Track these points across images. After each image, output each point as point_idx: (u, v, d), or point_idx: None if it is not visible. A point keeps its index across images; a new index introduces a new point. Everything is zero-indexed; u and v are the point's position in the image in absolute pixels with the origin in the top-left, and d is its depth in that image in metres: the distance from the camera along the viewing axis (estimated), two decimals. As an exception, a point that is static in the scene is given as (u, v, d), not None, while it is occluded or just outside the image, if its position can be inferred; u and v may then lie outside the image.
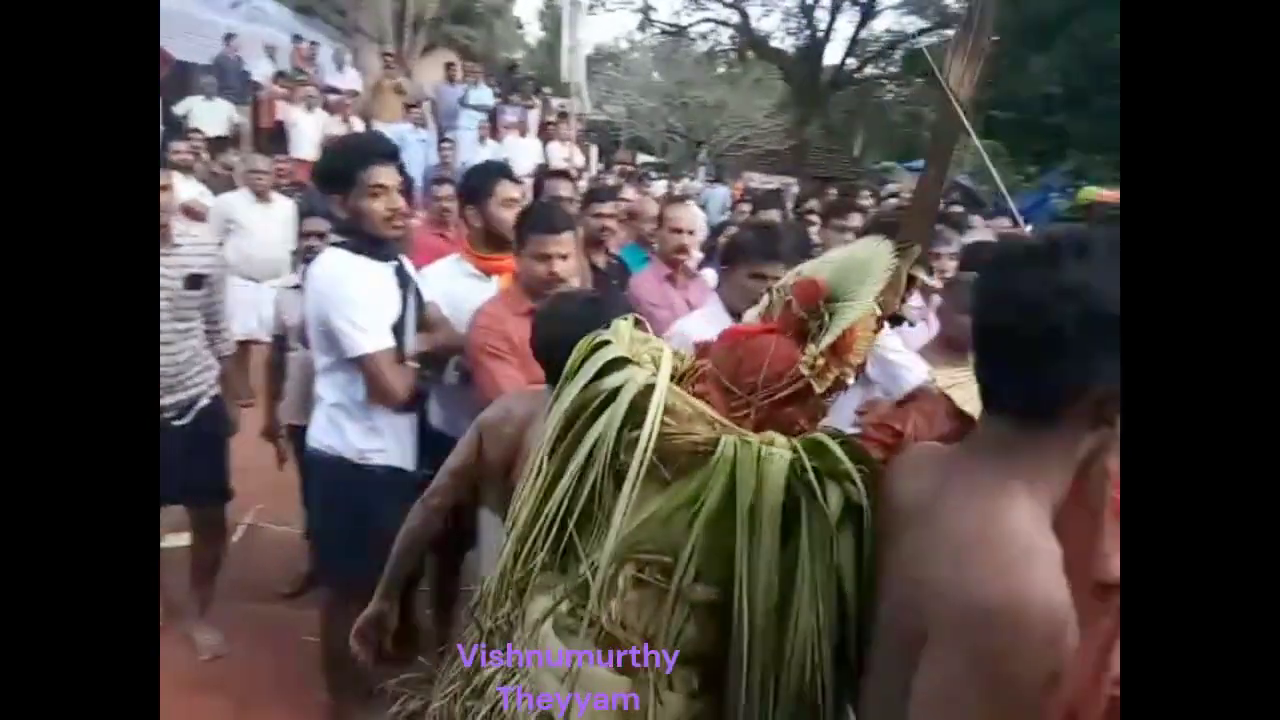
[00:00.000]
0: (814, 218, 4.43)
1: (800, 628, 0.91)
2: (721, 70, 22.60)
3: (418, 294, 2.11)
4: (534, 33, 27.19)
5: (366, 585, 1.65)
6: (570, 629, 1.01)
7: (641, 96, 18.41)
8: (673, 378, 1.03)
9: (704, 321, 2.25)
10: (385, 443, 2.02)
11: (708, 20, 20.93)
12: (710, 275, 2.96)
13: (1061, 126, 9.96)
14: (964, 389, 1.57)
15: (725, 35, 21.50)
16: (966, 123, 1.11)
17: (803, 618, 0.91)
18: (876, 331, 1.11)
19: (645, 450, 0.93)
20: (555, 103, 10.65)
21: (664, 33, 21.37)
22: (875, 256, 1.09)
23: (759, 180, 15.67)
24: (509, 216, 2.29)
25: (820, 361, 1.02)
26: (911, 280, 1.14)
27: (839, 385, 1.05)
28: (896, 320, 1.19)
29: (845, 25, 19.73)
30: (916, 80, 20.21)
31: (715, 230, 4.76)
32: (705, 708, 1.00)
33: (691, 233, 2.98)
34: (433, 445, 2.15)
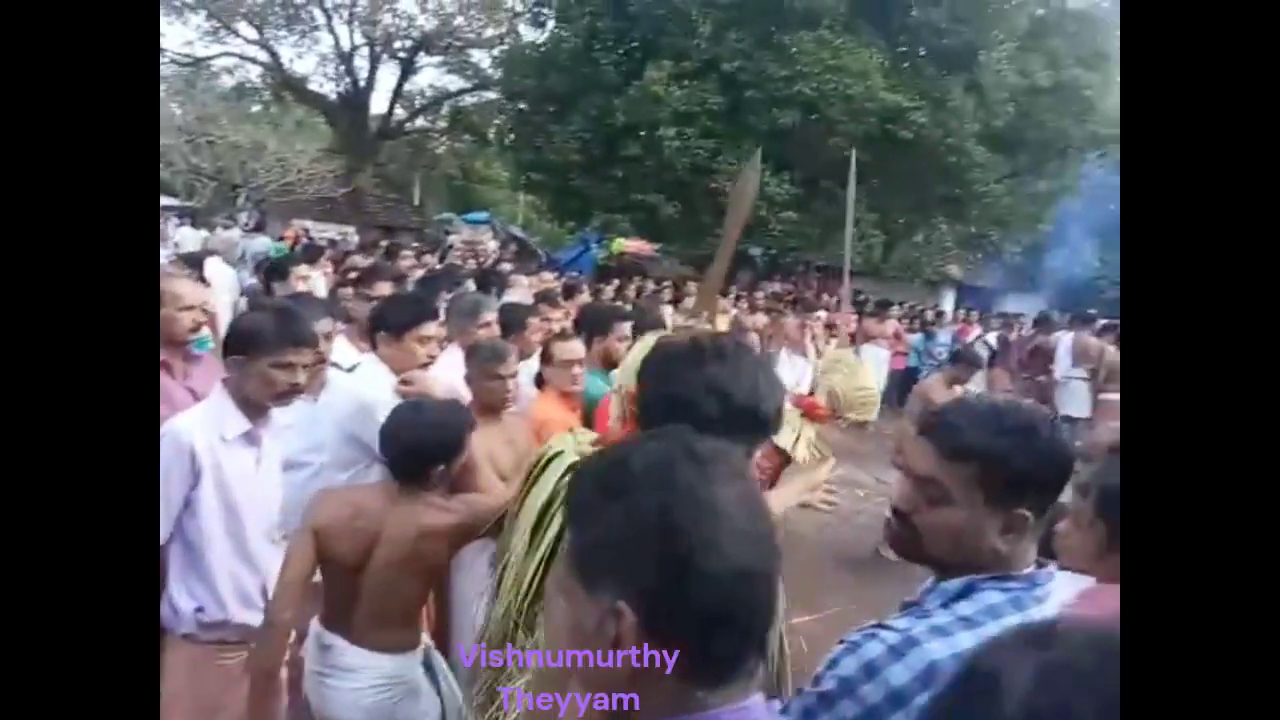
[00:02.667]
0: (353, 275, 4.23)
1: None
2: (256, 109, 20.64)
3: None
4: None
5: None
6: None
7: (153, 131, 15.64)
8: None
9: (203, 418, 1.87)
10: None
11: (229, 54, 18.94)
12: None
13: (585, 190, 11.48)
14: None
15: (255, 73, 19.73)
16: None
17: None
18: None
19: None
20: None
21: (175, 63, 18.62)
22: None
23: (315, 229, 14.64)
24: None
25: None
26: None
27: None
28: None
29: (388, 76, 19.78)
30: (464, 137, 21.33)
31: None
32: None
33: (199, 308, 2.49)
34: None
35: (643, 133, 10.61)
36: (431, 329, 2.50)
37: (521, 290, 4.87)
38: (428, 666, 1.97)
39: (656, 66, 10.26)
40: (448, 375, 2.61)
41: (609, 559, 0.64)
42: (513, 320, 3.30)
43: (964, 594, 1.01)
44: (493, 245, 16.74)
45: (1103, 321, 9.63)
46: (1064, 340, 8.87)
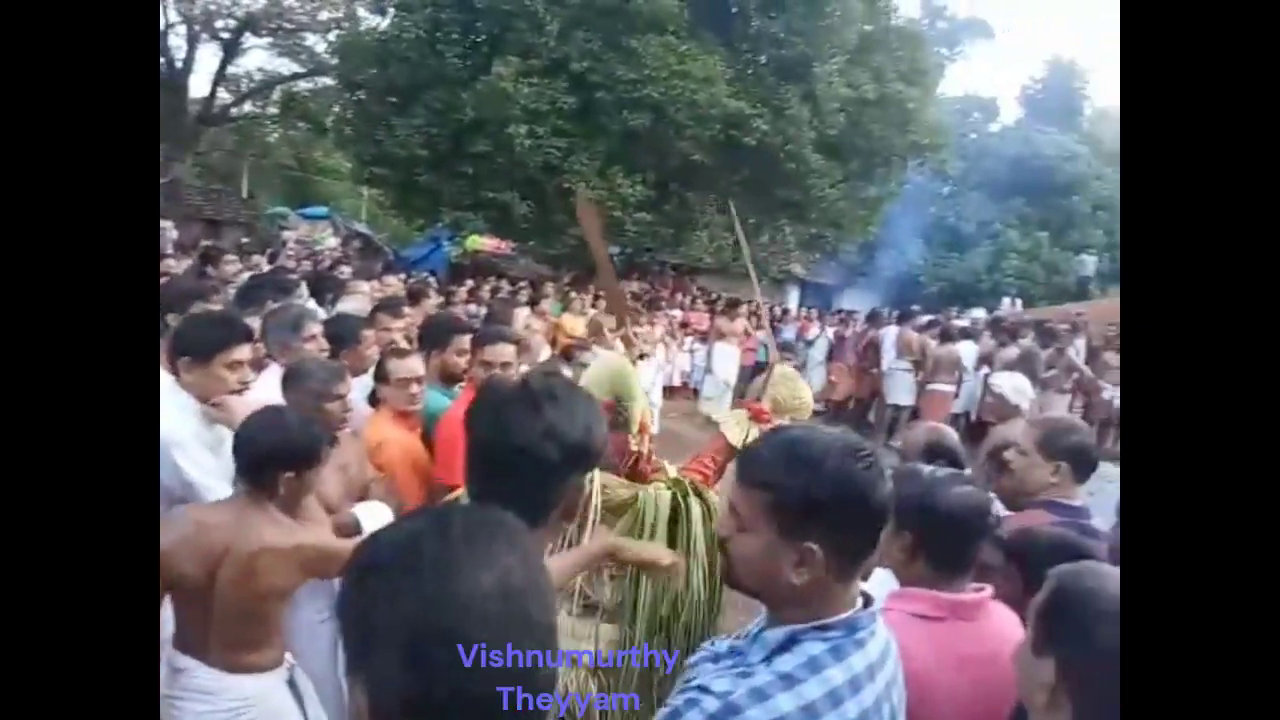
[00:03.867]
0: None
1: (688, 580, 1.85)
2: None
3: None
4: None
5: None
6: (586, 607, 1.84)
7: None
8: None
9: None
10: None
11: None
12: None
13: (433, 186, 11.04)
14: (730, 429, 2.46)
15: (46, 44, 17.34)
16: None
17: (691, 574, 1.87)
18: None
19: (596, 508, 1.77)
20: None
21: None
22: (622, 369, 2.20)
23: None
24: None
25: (638, 442, 2.13)
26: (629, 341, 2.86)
27: (649, 441, 2.22)
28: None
29: (209, 57, 18.06)
30: (299, 125, 19.89)
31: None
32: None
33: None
34: None
35: (492, 129, 10.35)
36: (243, 352, 2.26)
37: (360, 298, 4.57)
38: (293, 686, 1.91)
39: (504, 62, 10.03)
40: (268, 397, 2.40)
41: (356, 646, 0.61)
42: (344, 333, 3.08)
43: (786, 646, 1.01)
44: (333, 242, 15.74)
45: (926, 317, 10.61)
46: (889, 334, 9.71)
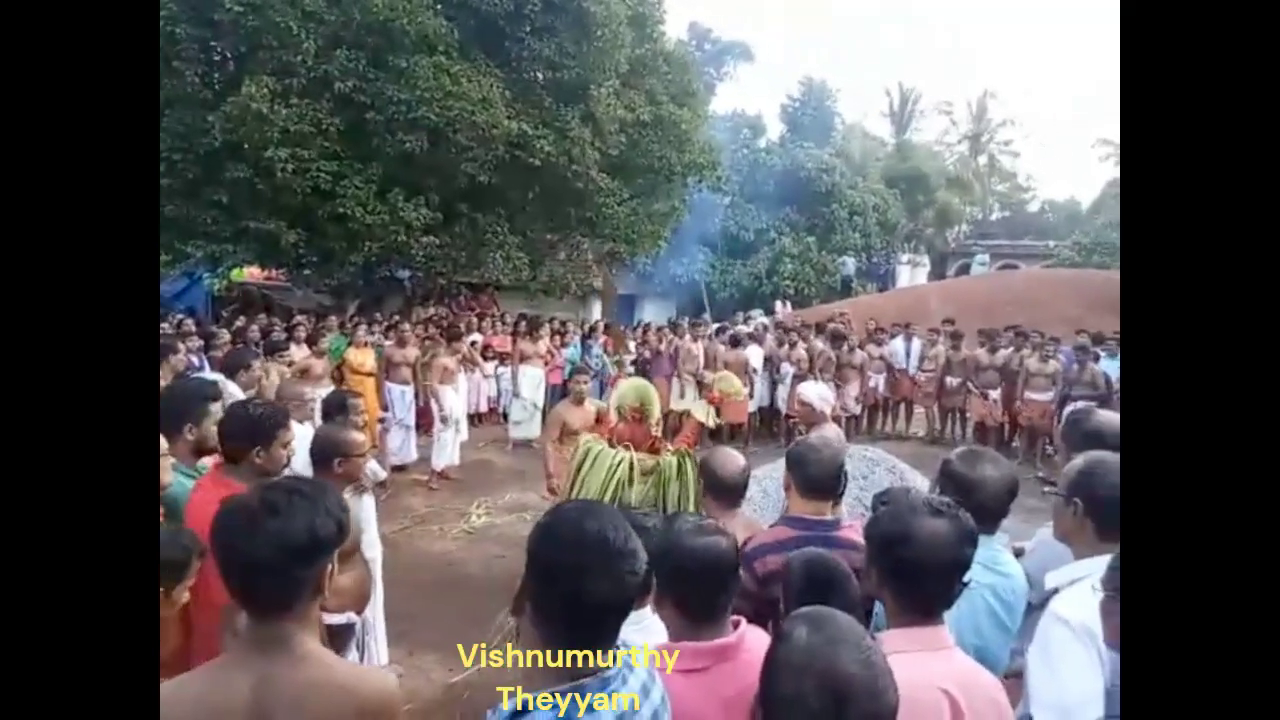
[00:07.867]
0: None
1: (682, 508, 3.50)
2: None
3: None
4: None
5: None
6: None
7: None
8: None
9: None
10: None
11: None
12: None
13: (180, 217, 9.77)
14: (699, 412, 4.29)
15: None
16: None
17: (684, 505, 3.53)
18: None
19: (632, 469, 3.68)
20: None
21: None
22: (646, 387, 4.35)
23: None
24: None
25: (656, 429, 4.25)
26: None
27: (659, 429, 4.36)
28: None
29: None
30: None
31: None
32: None
33: None
34: None
35: (249, 154, 9.38)
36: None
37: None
38: None
39: (255, 82, 9.13)
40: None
41: None
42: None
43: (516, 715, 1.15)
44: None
45: (715, 325, 11.27)
46: (684, 346, 10.26)
